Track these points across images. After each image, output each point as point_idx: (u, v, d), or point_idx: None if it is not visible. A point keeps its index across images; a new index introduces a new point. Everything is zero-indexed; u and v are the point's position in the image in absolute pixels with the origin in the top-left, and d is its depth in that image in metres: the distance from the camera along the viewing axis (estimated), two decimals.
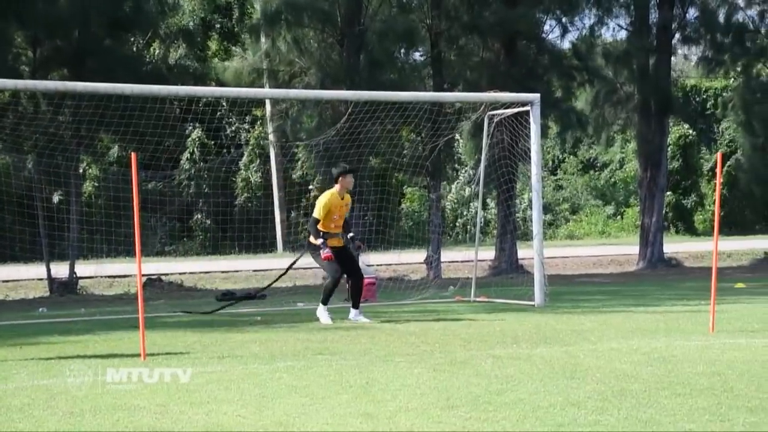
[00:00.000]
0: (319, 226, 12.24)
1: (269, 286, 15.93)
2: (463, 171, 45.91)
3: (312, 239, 12.40)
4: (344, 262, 12.44)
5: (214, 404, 6.77)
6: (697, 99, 55.90)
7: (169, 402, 6.86)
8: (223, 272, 27.68)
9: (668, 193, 49.63)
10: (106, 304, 18.03)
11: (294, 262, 14.58)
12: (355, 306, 12.74)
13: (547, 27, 28.23)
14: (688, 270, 27.94)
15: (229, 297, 16.73)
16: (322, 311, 12.51)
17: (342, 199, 12.41)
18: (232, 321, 13.19)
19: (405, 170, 27.22)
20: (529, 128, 15.63)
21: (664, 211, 32.30)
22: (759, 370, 7.90)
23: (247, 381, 7.75)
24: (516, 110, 16.03)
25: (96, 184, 35.32)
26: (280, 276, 15.29)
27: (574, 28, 28.76)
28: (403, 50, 26.16)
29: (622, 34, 30.39)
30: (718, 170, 12.02)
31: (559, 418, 6.15)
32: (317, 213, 12.27)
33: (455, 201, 47.31)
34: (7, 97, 21.47)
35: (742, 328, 11.13)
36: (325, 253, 12.08)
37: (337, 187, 12.42)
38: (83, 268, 22.95)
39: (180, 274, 25.86)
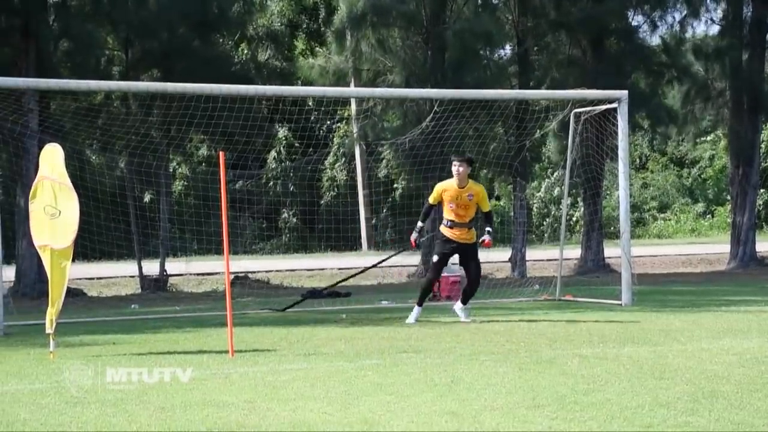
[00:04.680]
0: (444, 215, 12.03)
1: (344, 280, 15.99)
2: (551, 170, 45.51)
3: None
4: (461, 260, 12.25)
5: (301, 401, 6.84)
6: None
7: (257, 398, 6.96)
8: (308, 270, 27.91)
9: (761, 190, 48.43)
10: (195, 301, 18.35)
11: (390, 257, 14.74)
12: (464, 301, 12.41)
13: (635, 23, 27.80)
14: None
15: (314, 295, 16.88)
16: (414, 312, 12.30)
17: (460, 188, 11.94)
18: (318, 318, 13.31)
19: (491, 169, 27.08)
20: (617, 126, 15.42)
21: (756, 209, 31.56)
22: None
23: (332, 378, 7.81)
24: (603, 107, 15.83)
25: (185, 183, 35.98)
26: (365, 269, 15.35)
27: (664, 23, 28.21)
28: (488, 48, 26.02)
29: (714, 30, 29.79)
30: None
31: (647, 419, 6.06)
32: (431, 197, 12.21)
33: (542, 200, 46.94)
34: (99, 98, 22.01)
35: None
36: (412, 240, 12.11)
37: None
38: (173, 266, 23.39)
39: (267, 272, 26.16)
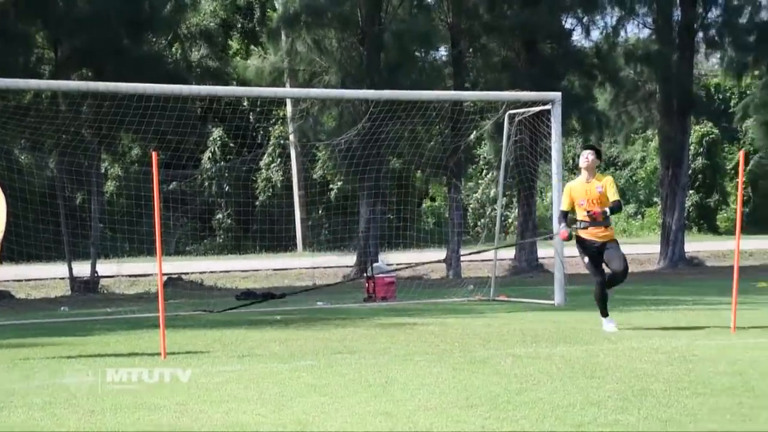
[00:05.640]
0: (575, 216, 10.87)
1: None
2: (487, 171, 45.87)
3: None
4: (604, 260, 10.84)
5: (234, 403, 6.79)
6: (720, 97, 55.61)
7: (189, 401, 6.88)
8: (243, 271, 27.75)
9: (691, 192, 49.40)
10: (127, 303, 18.10)
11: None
12: (604, 314, 11.06)
13: (568, 26, 28.15)
14: (710, 269, 27.76)
15: (249, 296, 16.78)
16: (605, 324, 11.00)
17: (587, 182, 10.82)
18: (252, 320, 13.22)
19: (426, 170, 27.20)
20: (550, 127, 15.58)
21: (686, 210, 32.13)
22: None
23: (266, 380, 7.76)
24: (537, 109, 15.98)
25: (118, 183, 35.50)
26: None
27: (596, 27, 28.64)
28: (423, 50, 26.13)
29: (645, 34, 30.27)
30: (740, 169, 11.92)
31: (578, 417, 6.12)
32: (562, 203, 11.12)
33: (478, 201, 47.27)
34: (29, 97, 21.61)
35: (765, 327, 11.05)
36: (562, 232, 10.90)
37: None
38: (105, 267, 23.06)
39: (200, 273, 25.96)
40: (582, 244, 10.88)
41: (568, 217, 11.00)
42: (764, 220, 52.10)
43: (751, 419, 6.01)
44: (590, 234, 10.82)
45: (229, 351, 9.71)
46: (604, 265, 10.89)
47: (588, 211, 10.71)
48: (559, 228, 11.04)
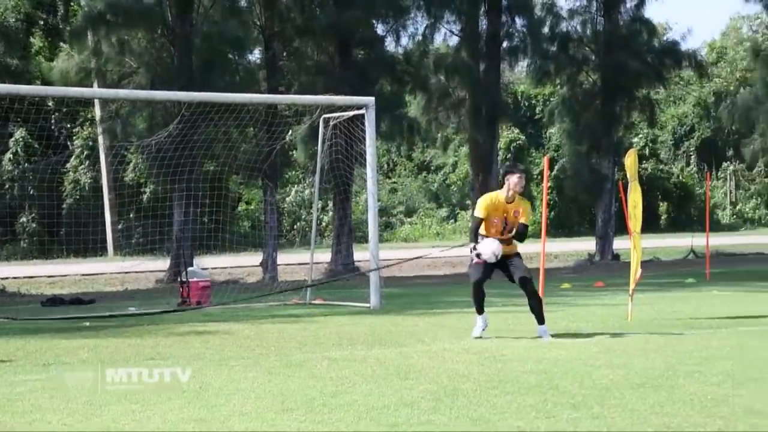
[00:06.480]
0: (481, 230, 10.40)
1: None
2: (301, 174, 45.92)
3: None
4: (507, 274, 10.45)
5: (38, 413, 6.51)
6: (527, 104, 57.76)
7: None
8: (49, 277, 26.73)
9: None
10: None
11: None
12: (540, 321, 10.47)
13: (380, 32, 28.54)
14: None
15: (56, 303, 16.16)
16: (475, 321, 10.65)
17: (509, 202, 10.35)
18: (59, 327, 12.72)
19: (241, 173, 26.96)
20: (364, 131, 15.74)
21: None
22: (582, 367, 8.19)
23: (73, 388, 7.48)
24: (351, 113, 16.13)
25: None
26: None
27: (407, 33, 29.18)
28: (236, 53, 25.88)
29: (454, 41, 31.03)
30: (544, 174, 12.41)
31: (392, 418, 6.20)
32: (476, 211, 10.49)
33: (294, 204, 47.26)
34: None
35: (567, 327, 11.52)
36: (474, 260, 10.33)
37: (504, 188, 10.42)
38: None
39: (2, 279, 24.81)
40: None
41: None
42: (569, 224, 54.50)
43: (554, 416, 6.24)
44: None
45: (33, 359, 9.31)
46: (505, 277, 10.55)
47: (499, 237, 10.30)
48: (474, 255, 10.31)
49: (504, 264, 10.38)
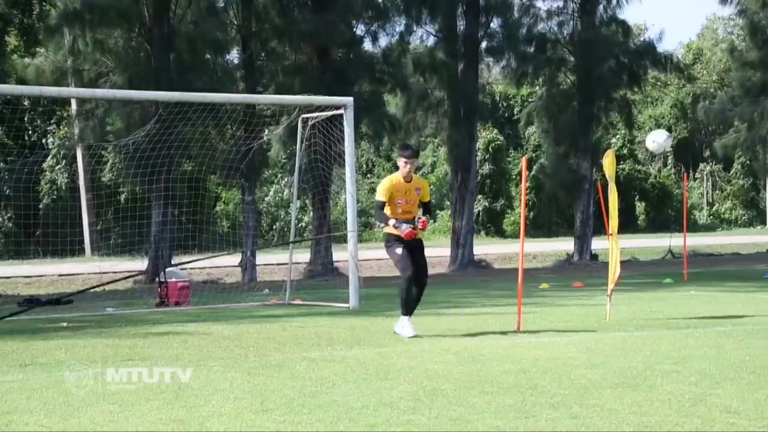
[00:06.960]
0: (387, 212, 10.55)
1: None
2: (280, 174, 45.87)
3: (385, 227, 10.63)
4: (414, 261, 10.60)
5: (15, 414, 6.46)
6: (505, 105, 57.94)
7: None
8: (26, 277, 26.58)
9: (479, 196, 51.19)
10: None
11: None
12: (408, 312, 10.69)
13: (359, 32, 28.54)
14: (497, 271, 28.81)
15: (32, 303, 16.04)
16: (402, 324, 10.67)
17: (408, 182, 10.60)
18: (35, 328, 12.64)
19: (218, 173, 26.90)
20: (343, 131, 15.73)
21: (475, 215, 33.26)
22: (560, 367, 8.21)
23: (51, 389, 7.43)
24: (330, 113, 16.11)
25: None
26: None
27: (385, 34, 29.20)
28: (214, 52, 25.82)
29: (432, 42, 31.08)
30: (523, 174, 12.44)
31: (372, 418, 6.19)
32: (378, 194, 10.66)
33: (272, 204, 47.18)
34: None
35: (546, 327, 11.55)
36: (404, 231, 10.40)
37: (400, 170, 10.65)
38: None
39: None
40: (397, 238, 10.63)
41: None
42: (547, 224, 54.70)
43: (534, 416, 6.26)
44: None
45: (9, 360, 9.24)
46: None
47: (413, 224, 10.52)
48: (402, 226, 10.41)
49: (413, 251, 10.72)
